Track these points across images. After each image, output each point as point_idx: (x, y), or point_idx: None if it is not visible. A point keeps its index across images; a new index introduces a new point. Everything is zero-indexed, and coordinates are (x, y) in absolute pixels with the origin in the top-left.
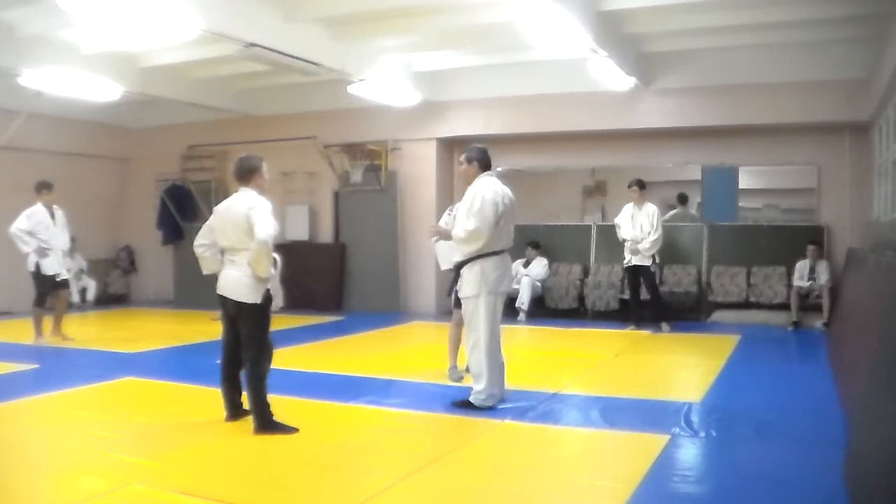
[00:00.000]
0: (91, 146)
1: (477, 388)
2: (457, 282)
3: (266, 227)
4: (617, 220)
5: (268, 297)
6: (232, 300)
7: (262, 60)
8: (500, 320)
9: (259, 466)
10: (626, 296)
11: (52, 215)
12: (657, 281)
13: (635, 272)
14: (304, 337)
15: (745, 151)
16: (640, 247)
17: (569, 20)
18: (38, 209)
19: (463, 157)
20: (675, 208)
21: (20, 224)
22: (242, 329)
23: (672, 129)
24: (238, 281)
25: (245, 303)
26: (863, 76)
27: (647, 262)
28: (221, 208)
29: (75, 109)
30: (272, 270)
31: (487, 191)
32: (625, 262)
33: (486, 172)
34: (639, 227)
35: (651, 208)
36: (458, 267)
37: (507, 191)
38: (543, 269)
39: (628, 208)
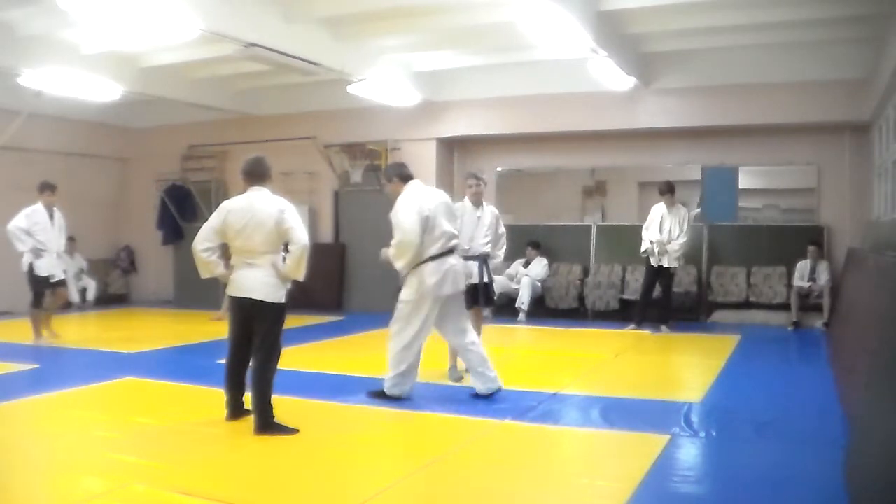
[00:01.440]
0: (91, 146)
1: (389, 375)
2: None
3: (304, 230)
4: (645, 225)
5: (288, 297)
6: (253, 300)
7: (262, 60)
8: (462, 317)
9: (259, 466)
10: (627, 296)
11: (51, 216)
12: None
13: (657, 272)
14: (304, 337)
15: (745, 151)
16: (668, 248)
17: (569, 20)
18: (38, 209)
19: (383, 181)
20: (693, 209)
21: (18, 222)
22: (259, 329)
23: (672, 129)
24: (261, 281)
25: (269, 303)
26: (863, 76)
27: (676, 265)
28: (238, 207)
29: (75, 109)
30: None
31: (407, 202)
32: (652, 261)
33: (410, 182)
34: (667, 229)
35: (682, 211)
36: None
37: (440, 195)
38: (543, 269)
39: (658, 210)
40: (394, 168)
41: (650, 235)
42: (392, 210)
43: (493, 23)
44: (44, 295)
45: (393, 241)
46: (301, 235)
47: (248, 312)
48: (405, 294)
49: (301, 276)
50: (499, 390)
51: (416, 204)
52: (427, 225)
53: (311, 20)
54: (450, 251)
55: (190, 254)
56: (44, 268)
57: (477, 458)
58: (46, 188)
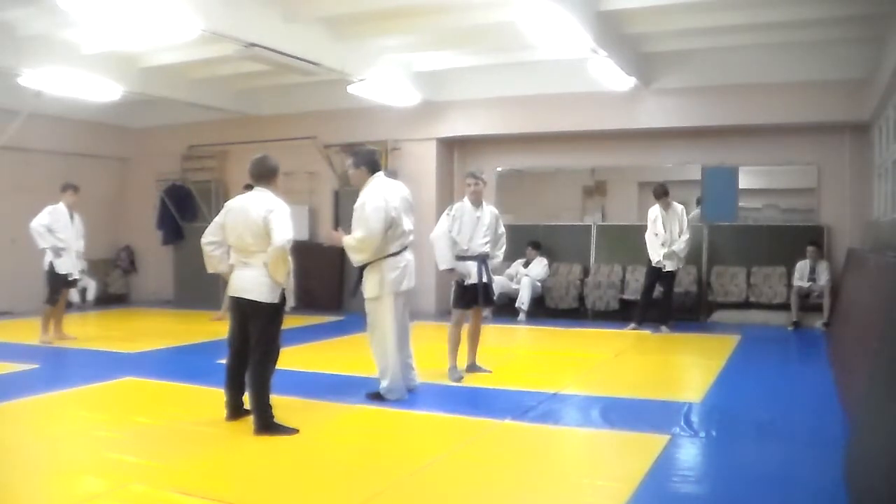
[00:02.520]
0: (91, 146)
1: (384, 383)
2: (360, 282)
3: (285, 231)
4: (649, 227)
5: (283, 297)
6: (247, 300)
7: (262, 60)
8: (405, 319)
9: (259, 466)
10: (627, 296)
11: (72, 217)
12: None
13: (658, 273)
14: (304, 337)
15: (745, 151)
16: (674, 248)
17: (569, 20)
18: (60, 208)
19: (350, 163)
20: (693, 209)
21: (41, 219)
22: (254, 329)
23: (672, 129)
24: (254, 280)
25: (262, 302)
26: (863, 76)
27: (679, 265)
28: (236, 207)
29: (75, 109)
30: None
31: (374, 197)
32: (655, 263)
33: (376, 174)
34: (667, 231)
35: (680, 210)
36: (361, 268)
37: (401, 189)
38: (543, 269)
39: (654, 212)
40: (363, 156)
41: (658, 240)
42: (358, 202)
43: (493, 23)
44: (60, 293)
45: (356, 235)
46: (278, 236)
47: (244, 312)
48: (368, 291)
49: (281, 277)
50: (410, 392)
51: (384, 202)
52: (392, 224)
53: (311, 20)
54: (406, 247)
55: (190, 254)
56: (63, 266)
57: (477, 458)
58: (69, 188)
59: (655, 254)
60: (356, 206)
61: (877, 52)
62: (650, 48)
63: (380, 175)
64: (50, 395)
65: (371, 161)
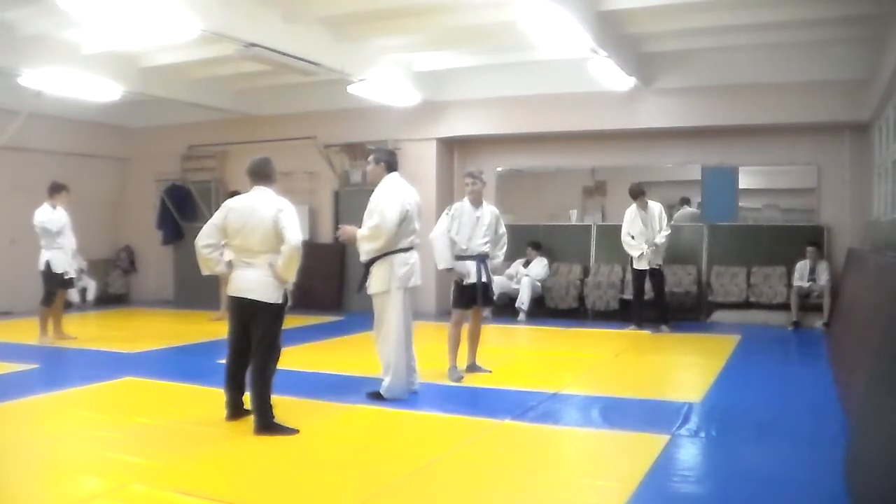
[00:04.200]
0: (91, 146)
1: (386, 380)
2: (366, 279)
3: (297, 231)
4: (625, 230)
5: (285, 297)
6: (250, 300)
7: (262, 60)
8: (410, 316)
9: (259, 466)
10: (627, 296)
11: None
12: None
13: (643, 274)
14: (304, 337)
15: (745, 151)
16: (656, 241)
17: (569, 20)
18: (60, 211)
19: (371, 158)
20: (678, 210)
21: (43, 216)
22: (257, 330)
23: (672, 129)
24: (258, 281)
25: (265, 303)
26: (863, 76)
27: (660, 262)
28: (240, 206)
29: (75, 109)
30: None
31: (391, 191)
32: (638, 266)
33: (392, 173)
34: (650, 227)
35: (658, 208)
36: (368, 264)
37: (413, 192)
38: (543, 269)
39: (631, 213)
40: (385, 154)
41: (636, 239)
42: (374, 196)
43: (493, 23)
44: (56, 294)
45: (369, 224)
46: (292, 236)
47: (245, 312)
48: (375, 286)
49: (291, 277)
50: (412, 393)
51: (401, 197)
52: (405, 219)
53: (311, 20)
54: (413, 247)
55: (190, 254)
56: (60, 265)
57: (477, 458)
58: (62, 189)
59: (636, 252)
60: (371, 199)
61: (877, 52)
62: (650, 48)
63: (396, 175)
64: (50, 395)
65: (391, 161)
